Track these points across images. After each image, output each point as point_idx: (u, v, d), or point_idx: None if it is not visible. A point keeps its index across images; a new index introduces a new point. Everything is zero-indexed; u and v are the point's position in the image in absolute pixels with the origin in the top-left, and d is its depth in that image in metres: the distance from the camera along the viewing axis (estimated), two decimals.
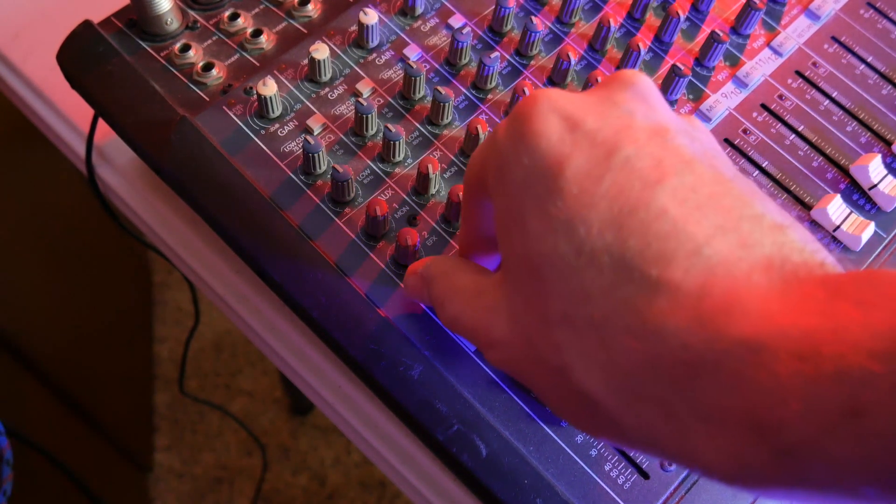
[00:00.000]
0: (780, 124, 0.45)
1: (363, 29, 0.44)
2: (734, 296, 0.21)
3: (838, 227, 0.42)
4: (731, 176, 0.25)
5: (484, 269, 0.32)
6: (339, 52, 0.45)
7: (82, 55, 0.44)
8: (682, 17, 0.45)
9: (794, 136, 0.45)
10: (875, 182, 0.43)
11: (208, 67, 0.43)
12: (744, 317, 0.21)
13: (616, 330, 0.23)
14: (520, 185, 0.26)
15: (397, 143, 0.41)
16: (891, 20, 0.49)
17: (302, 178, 0.41)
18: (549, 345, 0.25)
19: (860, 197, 0.44)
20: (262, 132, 0.42)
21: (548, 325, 0.25)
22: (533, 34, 0.44)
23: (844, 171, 0.44)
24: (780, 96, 0.46)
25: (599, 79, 0.42)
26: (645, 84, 0.28)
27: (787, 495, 0.21)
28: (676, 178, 0.24)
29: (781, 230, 0.23)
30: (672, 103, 0.45)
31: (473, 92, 0.44)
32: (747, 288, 0.22)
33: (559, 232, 0.24)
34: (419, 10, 0.46)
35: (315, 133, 0.42)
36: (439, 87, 0.42)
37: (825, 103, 0.46)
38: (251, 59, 0.45)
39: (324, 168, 0.41)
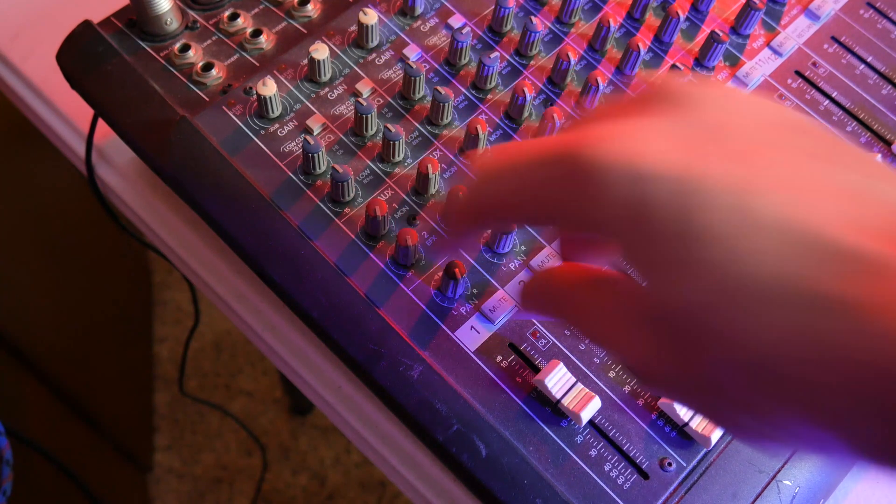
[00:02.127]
0: None
1: (363, 29, 0.44)
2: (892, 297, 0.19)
3: None
4: (865, 155, 0.23)
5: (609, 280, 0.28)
6: (338, 52, 0.45)
7: (82, 55, 0.44)
8: (682, 17, 0.45)
9: None
10: None
11: (208, 67, 0.43)
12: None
13: (799, 365, 0.20)
14: (654, 231, 0.22)
15: (397, 143, 0.41)
16: (891, 20, 0.49)
17: (302, 178, 0.41)
18: (712, 388, 0.23)
19: None
20: (262, 132, 0.42)
21: (708, 369, 0.22)
22: (533, 34, 0.44)
23: None
24: (780, 96, 0.46)
25: (599, 79, 0.42)
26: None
27: None
28: (823, 181, 0.22)
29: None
30: None
31: (473, 92, 0.44)
32: None
33: (708, 273, 0.21)
34: (419, 10, 0.46)
35: (315, 133, 0.42)
36: (439, 87, 0.42)
37: (825, 103, 0.46)
38: (251, 59, 0.45)
39: (323, 168, 0.41)
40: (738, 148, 0.22)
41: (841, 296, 0.20)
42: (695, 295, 0.21)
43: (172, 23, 0.44)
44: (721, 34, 0.45)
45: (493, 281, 0.39)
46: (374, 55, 0.45)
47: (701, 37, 0.47)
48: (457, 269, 0.37)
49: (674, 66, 0.43)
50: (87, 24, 0.45)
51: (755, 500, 0.36)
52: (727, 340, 0.21)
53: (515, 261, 0.40)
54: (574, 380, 0.37)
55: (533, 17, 0.44)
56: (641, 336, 0.24)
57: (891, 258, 0.19)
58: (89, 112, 0.46)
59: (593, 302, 0.27)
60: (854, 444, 0.21)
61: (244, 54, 0.45)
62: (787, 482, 0.36)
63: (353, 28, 0.45)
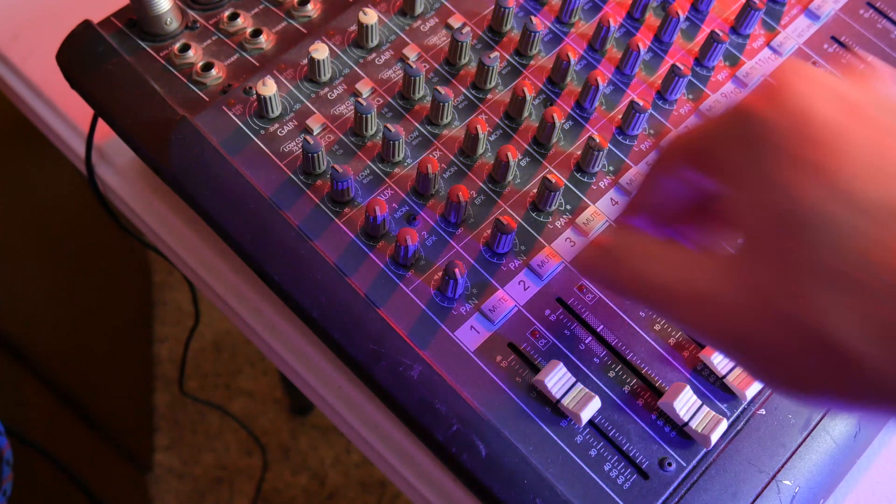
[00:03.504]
0: None
1: (363, 29, 0.44)
2: None
3: None
4: None
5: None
6: (338, 51, 0.45)
7: (82, 55, 0.44)
8: (682, 16, 0.45)
9: None
10: None
11: (208, 67, 0.43)
12: None
13: (880, 283, 0.23)
14: (775, 143, 0.26)
15: (397, 143, 0.41)
16: (891, 20, 0.49)
17: (302, 178, 0.41)
18: (800, 298, 0.24)
19: None
20: (262, 132, 0.42)
21: (802, 276, 0.24)
22: (532, 34, 0.44)
23: None
24: None
25: (599, 79, 0.42)
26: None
27: None
28: None
29: None
30: (671, 103, 0.45)
31: (473, 92, 0.44)
32: None
33: (823, 182, 0.24)
34: (419, 9, 0.46)
35: (315, 133, 0.42)
36: (439, 87, 0.42)
37: None
38: (251, 58, 0.45)
39: (323, 168, 0.41)
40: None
41: None
42: (814, 196, 0.24)
43: (172, 23, 0.44)
44: (721, 34, 0.45)
45: (493, 281, 0.39)
46: (373, 55, 0.45)
47: (701, 37, 0.47)
48: (457, 269, 0.37)
49: (674, 66, 0.43)
50: (87, 24, 0.45)
51: (755, 500, 0.36)
52: (833, 241, 0.24)
53: (515, 261, 0.40)
54: (574, 380, 0.37)
55: (533, 17, 0.44)
56: (715, 264, 0.27)
57: None
58: (89, 112, 0.46)
59: (660, 250, 0.30)
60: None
61: (244, 54, 0.45)
62: (786, 482, 0.36)
63: (353, 28, 0.45)
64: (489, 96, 0.44)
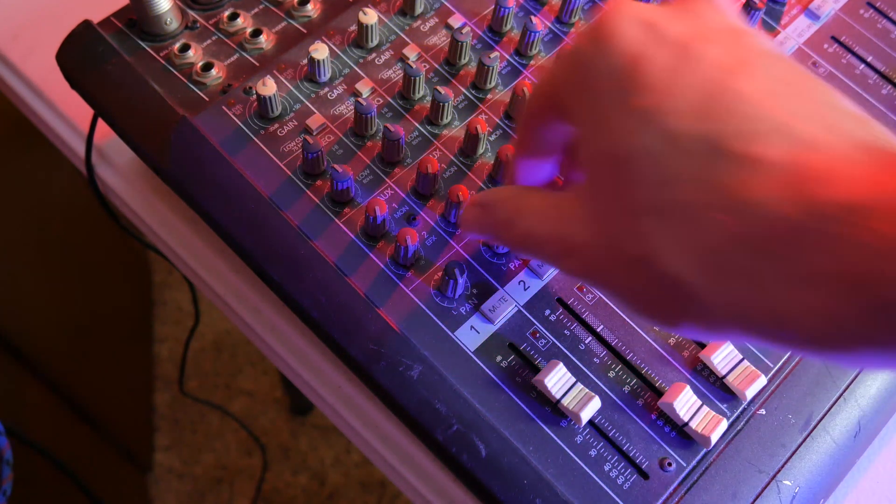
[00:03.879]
0: None
1: (363, 29, 0.44)
2: (828, 166, 0.22)
3: None
4: (810, 77, 0.26)
5: (548, 189, 0.33)
6: (338, 51, 0.45)
7: (82, 55, 0.44)
8: None
9: None
10: None
11: (208, 67, 0.43)
12: (839, 183, 0.21)
13: (705, 208, 0.24)
14: (604, 86, 0.27)
15: (397, 142, 0.41)
16: (891, 20, 0.49)
17: (302, 178, 0.41)
18: (634, 235, 0.26)
19: None
20: (262, 132, 0.42)
21: (635, 215, 0.26)
22: (532, 34, 0.44)
23: None
24: None
25: None
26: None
27: (876, 356, 0.22)
28: (758, 68, 0.25)
29: (867, 122, 0.24)
30: None
31: (473, 92, 0.44)
32: (840, 159, 0.22)
33: (647, 123, 0.25)
34: (419, 9, 0.46)
35: (314, 133, 0.42)
36: (439, 87, 0.42)
37: None
38: (251, 58, 0.45)
39: (323, 168, 0.41)
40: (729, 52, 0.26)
41: (744, 151, 0.23)
42: (640, 140, 0.25)
43: (172, 23, 0.44)
44: None
45: (493, 281, 0.39)
46: (373, 55, 0.45)
47: None
48: (457, 269, 0.37)
49: None
50: (87, 24, 0.45)
51: (755, 500, 0.36)
52: (664, 180, 0.25)
53: (515, 261, 0.40)
54: (574, 380, 0.37)
55: (533, 17, 0.44)
56: (567, 210, 0.29)
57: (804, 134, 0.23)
58: (89, 112, 0.46)
59: (520, 200, 0.32)
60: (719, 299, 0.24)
61: (244, 54, 0.45)
62: (787, 482, 0.36)
63: (353, 28, 0.45)
64: (489, 96, 0.44)
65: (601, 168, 0.27)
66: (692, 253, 0.24)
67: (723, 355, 0.38)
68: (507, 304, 0.39)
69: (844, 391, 0.39)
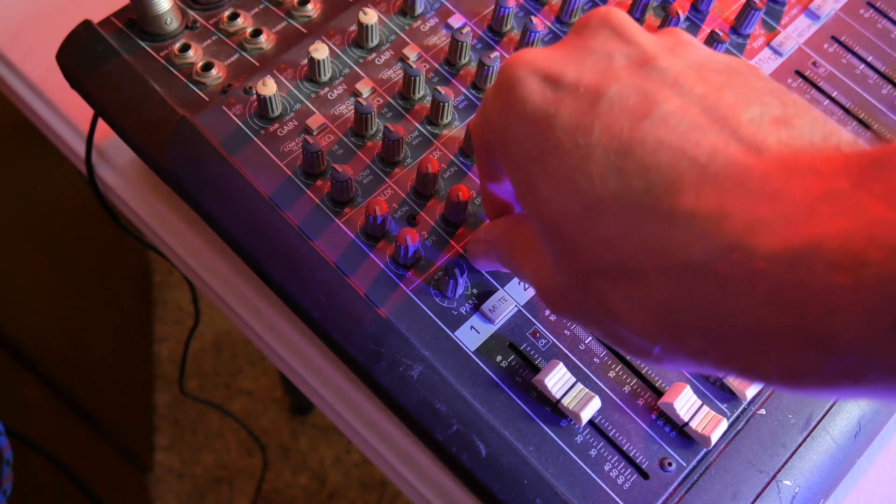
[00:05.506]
0: None
1: (363, 29, 0.44)
2: (753, 210, 0.21)
3: None
4: (722, 80, 0.25)
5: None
6: (338, 51, 0.45)
7: (82, 55, 0.44)
8: (682, 16, 0.45)
9: None
10: None
11: (208, 67, 0.43)
12: (771, 232, 0.20)
13: (645, 271, 0.23)
14: (519, 152, 0.27)
15: (397, 142, 0.41)
16: (891, 20, 0.49)
17: (302, 178, 0.41)
18: (589, 295, 0.25)
19: None
20: (262, 132, 0.42)
21: (582, 278, 0.25)
22: (532, 34, 0.44)
23: None
24: None
25: None
26: (617, 20, 0.28)
27: (846, 394, 0.21)
28: (665, 104, 0.24)
29: (785, 123, 0.23)
30: None
31: (473, 92, 0.44)
32: (765, 198, 0.21)
33: (564, 190, 0.25)
34: (419, 9, 0.46)
35: (315, 133, 0.42)
36: (439, 87, 0.42)
37: (825, 103, 0.46)
38: (251, 58, 0.45)
39: (323, 168, 0.41)
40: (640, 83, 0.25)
41: (670, 207, 0.22)
42: (563, 208, 0.25)
43: (172, 22, 0.44)
44: (721, 34, 0.45)
45: (493, 281, 0.39)
46: (373, 55, 0.45)
47: (701, 36, 0.47)
48: (457, 269, 0.37)
49: None
50: (87, 24, 0.45)
51: (755, 500, 0.36)
52: (596, 245, 0.24)
53: None
54: (574, 380, 0.37)
55: (533, 17, 0.44)
56: (541, 257, 0.28)
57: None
58: (89, 112, 0.46)
59: (510, 238, 0.33)
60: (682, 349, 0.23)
61: (244, 54, 0.45)
62: (787, 482, 0.36)
63: (353, 28, 0.45)
64: None
65: (541, 231, 0.27)
66: (645, 312, 0.23)
67: None
68: (507, 303, 0.39)
69: None
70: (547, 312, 0.39)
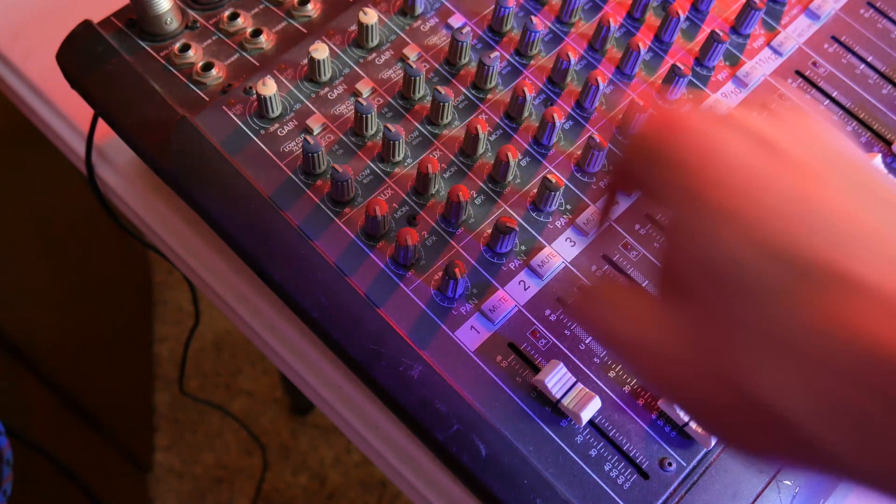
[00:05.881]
0: None
1: (363, 29, 0.44)
2: None
3: None
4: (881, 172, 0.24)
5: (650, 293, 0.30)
6: (338, 51, 0.45)
7: (82, 55, 0.44)
8: (682, 16, 0.45)
9: None
10: None
11: (208, 67, 0.43)
12: None
13: (812, 350, 0.21)
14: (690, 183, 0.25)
15: (397, 143, 0.41)
16: (891, 20, 0.49)
17: (302, 178, 0.41)
18: (739, 366, 0.23)
19: None
20: (262, 132, 0.42)
21: (731, 333, 0.23)
22: (533, 34, 0.44)
23: None
24: (780, 96, 0.46)
25: (599, 79, 0.42)
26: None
27: None
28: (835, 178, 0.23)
29: None
30: (672, 103, 0.45)
31: (473, 92, 0.44)
32: None
33: (759, 245, 0.23)
34: (419, 9, 0.46)
35: (315, 133, 0.42)
36: (439, 87, 0.42)
37: (825, 103, 0.46)
38: (251, 58, 0.45)
39: (323, 168, 0.41)
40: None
41: (843, 270, 0.21)
42: (724, 246, 0.23)
43: (172, 22, 0.44)
44: (721, 34, 0.45)
45: (493, 281, 0.39)
46: (374, 55, 0.45)
47: (701, 36, 0.47)
48: (457, 269, 0.37)
49: (674, 66, 0.43)
50: (87, 24, 0.45)
51: (755, 500, 0.36)
52: (752, 294, 0.22)
53: (515, 261, 0.40)
54: (574, 380, 0.37)
55: (533, 17, 0.44)
56: (664, 318, 0.26)
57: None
58: (89, 112, 0.46)
59: (627, 302, 0.28)
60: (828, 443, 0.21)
61: (244, 54, 0.45)
62: (787, 482, 0.36)
63: (353, 28, 0.45)
64: (489, 96, 0.44)
65: (693, 274, 0.24)
66: (812, 395, 0.21)
67: None
68: (507, 304, 0.39)
69: None
70: (547, 312, 0.39)
